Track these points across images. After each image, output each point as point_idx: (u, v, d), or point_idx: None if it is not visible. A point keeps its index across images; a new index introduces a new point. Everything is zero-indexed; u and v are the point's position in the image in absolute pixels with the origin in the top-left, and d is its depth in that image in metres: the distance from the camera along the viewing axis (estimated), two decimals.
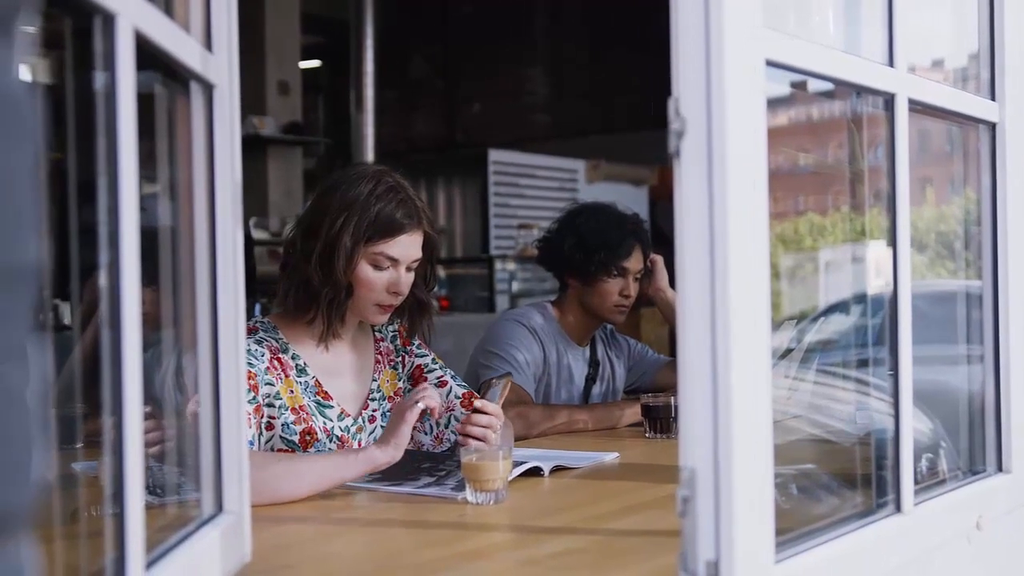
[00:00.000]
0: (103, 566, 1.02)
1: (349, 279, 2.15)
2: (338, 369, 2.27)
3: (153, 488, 1.33)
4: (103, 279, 1.00)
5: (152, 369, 1.28)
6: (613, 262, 2.95)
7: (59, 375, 1.79)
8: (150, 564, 1.09)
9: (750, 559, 1.17)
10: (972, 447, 1.86)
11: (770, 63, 1.24)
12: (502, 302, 7.29)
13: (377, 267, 2.17)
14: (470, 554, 1.59)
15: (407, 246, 2.18)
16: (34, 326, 0.59)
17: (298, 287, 2.18)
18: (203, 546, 1.26)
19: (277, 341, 2.20)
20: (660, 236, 4.65)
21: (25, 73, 0.60)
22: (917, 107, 1.56)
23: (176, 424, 1.56)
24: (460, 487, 1.90)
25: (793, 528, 1.33)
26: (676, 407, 2.64)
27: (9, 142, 0.57)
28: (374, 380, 2.32)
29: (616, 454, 2.36)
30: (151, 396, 1.18)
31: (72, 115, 1.10)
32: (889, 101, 1.50)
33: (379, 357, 2.35)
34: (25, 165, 0.58)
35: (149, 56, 1.11)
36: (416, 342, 2.41)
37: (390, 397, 2.33)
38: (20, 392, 0.56)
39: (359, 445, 2.23)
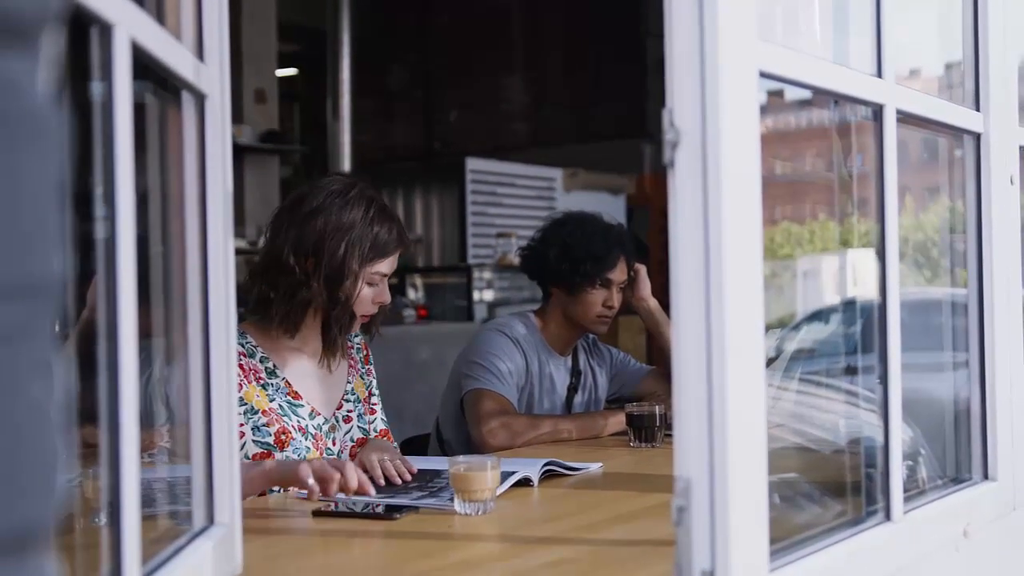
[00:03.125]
0: None
1: (353, 302, 2.24)
2: (311, 372, 2.33)
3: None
4: (100, 290, 0.99)
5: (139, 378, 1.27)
6: (598, 273, 2.95)
7: None
8: None
9: (745, 568, 1.17)
10: (958, 455, 1.87)
11: (763, 74, 1.24)
12: (480, 311, 7.27)
13: (370, 284, 2.27)
14: (461, 565, 1.58)
15: (395, 261, 2.31)
16: (55, 339, 0.59)
17: (298, 308, 2.23)
18: (196, 558, 1.25)
19: (243, 346, 2.24)
20: (637, 245, 4.65)
21: (49, 85, 0.60)
22: (904, 118, 1.57)
23: (160, 431, 1.55)
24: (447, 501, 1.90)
25: (786, 537, 1.34)
26: (660, 416, 2.64)
27: (37, 157, 0.57)
28: (348, 382, 2.40)
29: (600, 464, 2.36)
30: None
31: (66, 124, 1.09)
32: (878, 112, 1.51)
33: (352, 362, 2.44)
34: (52, 179, 0.58)
35: (142, 65, 1.10)
36: (368, 365, 2.50)
37: (363, 400, 2.42)
38: (45, 406, 0.56)
39: (333, 444, 2.31)
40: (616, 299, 3.00)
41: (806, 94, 1.57)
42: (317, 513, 1.86)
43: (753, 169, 1.21)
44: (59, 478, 0.58)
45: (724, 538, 1.15)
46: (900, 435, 1.53)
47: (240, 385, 2.18)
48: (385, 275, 2.29)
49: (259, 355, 2.25)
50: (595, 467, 2.35)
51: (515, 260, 3.11)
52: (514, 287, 7.50)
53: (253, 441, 2.18)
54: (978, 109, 1.82)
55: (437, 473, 2.16)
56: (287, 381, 2.26)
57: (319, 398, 2.31)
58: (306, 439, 2.24)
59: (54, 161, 0.59)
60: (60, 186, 0.60)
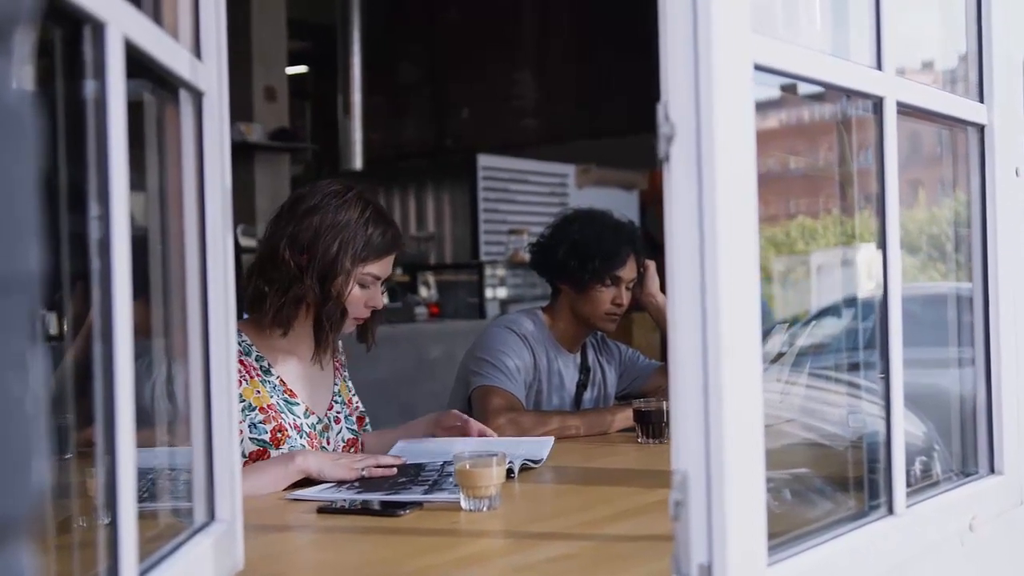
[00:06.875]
0: (96, 575, 1.02)
1: (344, 299, 2.27)
2: (302, 372, 2.36)
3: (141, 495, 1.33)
4: (95, 289, 0.99)
5: (143, 379, 1.28)
6: (607, 271, 2.95)
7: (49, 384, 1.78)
8: (143, 573, 1.08)
9: (743, 562, 1.17)
10: (964, 449, 1.86)
11: (759, 67, 1.24)
12: (492, 308, 7.27)
13: (362, 286, 2.31)
14: (464, 560, 1.58)
15: (390, 265, 2.35)
16: (33, 334, 0.59)
17: (291, 303, 2.26)
18: (196, 554, 1.26)
19: (240, 345, 2.27)
20: (650, 241, 4.65)
21: (24, 83, 0.61)
22: (906, 110, 1.57)
23: (168, 433, 1.55)
24: (457, 490, 1.90)
25: (786, 531, 1.33)
26: (668, 412, 2.64)
27: (11, 153, 0.57)
28: (335, 384, 2.45)
29: (551, 439, 2.41)
30: (141, 406, 1.18)
31: (60, 123, 1.09)
32: (878, 104, 1.51)
33: (337, 366, 2.48)
34: (27, 175, 0.59)
35: (137, 64, 1.11)
36: (345, 371, 2.53)
37: (347, 402, 2.46)
38: (20, 400, 0.57)
39: (327, 443, 2.36)
40: (625, 297, 2.99)
41: (819, 88, 1.56)
42: (321, 510, 1.87)
43: (748, 163, 1.21)
44: (36, 472, 0.58)
45: (721, 532, 1.15)
46: (903, 428, 1.52)
47: (240, 382, 2.20)
48: (377, 277, 2.32)
49: (255, 353, 2.29)
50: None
51: (527, 257, 3.13)
52: (527, 284, 7.50)
53: (250, 439, 2.21)
54: (982, 101, 1.81)
55: (419, 470, 2.17)
56: (282, 379, 2.30)
57: (311, 398, 2.36)
58: (301, 437, 2.27)
59: (29, 158, 0.59)
60: (36, 183, 0.60)
